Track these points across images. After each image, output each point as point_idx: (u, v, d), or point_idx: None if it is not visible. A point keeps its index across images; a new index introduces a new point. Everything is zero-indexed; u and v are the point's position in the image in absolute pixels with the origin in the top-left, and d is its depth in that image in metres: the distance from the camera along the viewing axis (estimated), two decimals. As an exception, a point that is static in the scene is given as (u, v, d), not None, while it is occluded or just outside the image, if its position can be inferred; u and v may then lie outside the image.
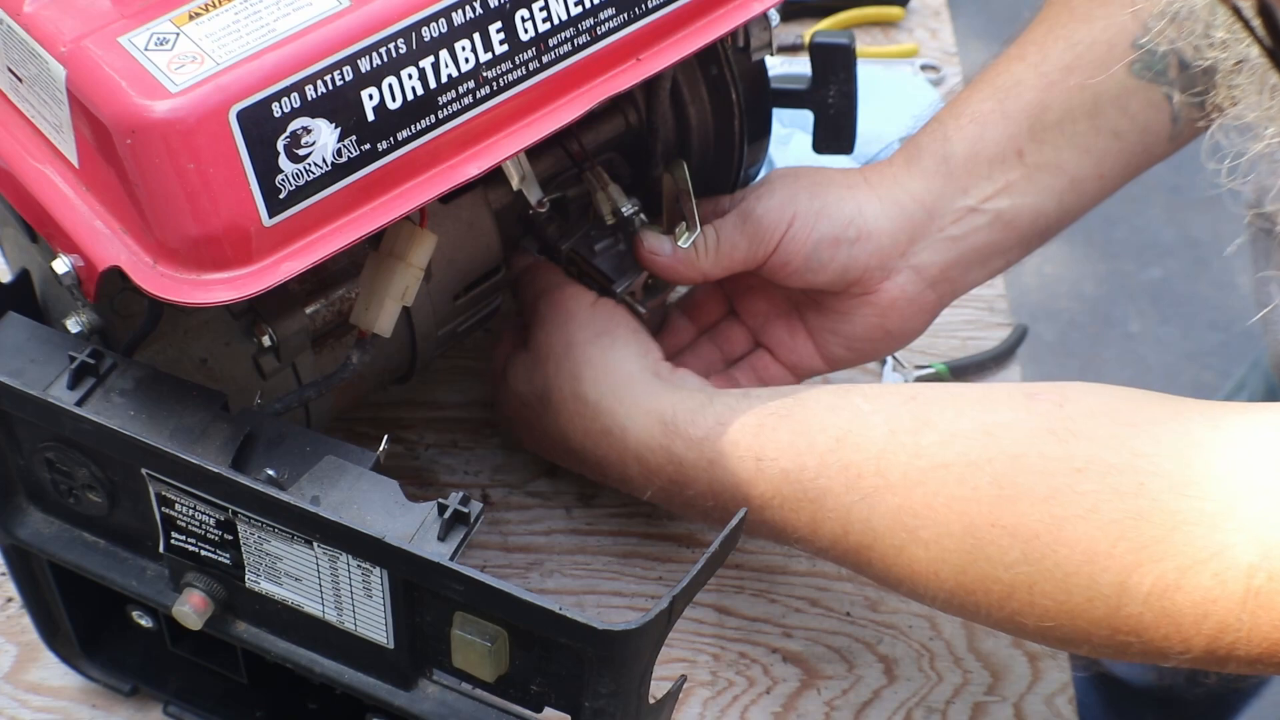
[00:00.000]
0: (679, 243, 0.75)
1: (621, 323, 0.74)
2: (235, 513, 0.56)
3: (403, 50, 0.57)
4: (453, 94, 0.59)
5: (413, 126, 0.58)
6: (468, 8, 0.58)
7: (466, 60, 0.59)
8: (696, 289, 0.82)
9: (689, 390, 0.71)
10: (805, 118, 0.89)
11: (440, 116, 0.58)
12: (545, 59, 0.61)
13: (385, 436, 0.62)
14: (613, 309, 0.75)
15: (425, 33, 0.57)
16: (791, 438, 0.65)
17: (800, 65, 0.92)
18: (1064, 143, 0.75)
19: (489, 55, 0.59)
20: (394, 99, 0.57)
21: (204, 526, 0.58)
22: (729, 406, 0.68)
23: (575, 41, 0.62)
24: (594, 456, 0.72)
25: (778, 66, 0.99)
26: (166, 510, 0.58)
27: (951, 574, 0.61)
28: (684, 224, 0.75)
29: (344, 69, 0.55)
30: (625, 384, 0.71)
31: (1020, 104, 0.75)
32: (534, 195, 0.73)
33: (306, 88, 0.55)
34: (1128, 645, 0.58)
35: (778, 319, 0.80)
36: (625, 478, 0.72)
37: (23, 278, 0.68)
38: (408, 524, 0.56)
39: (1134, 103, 0.75)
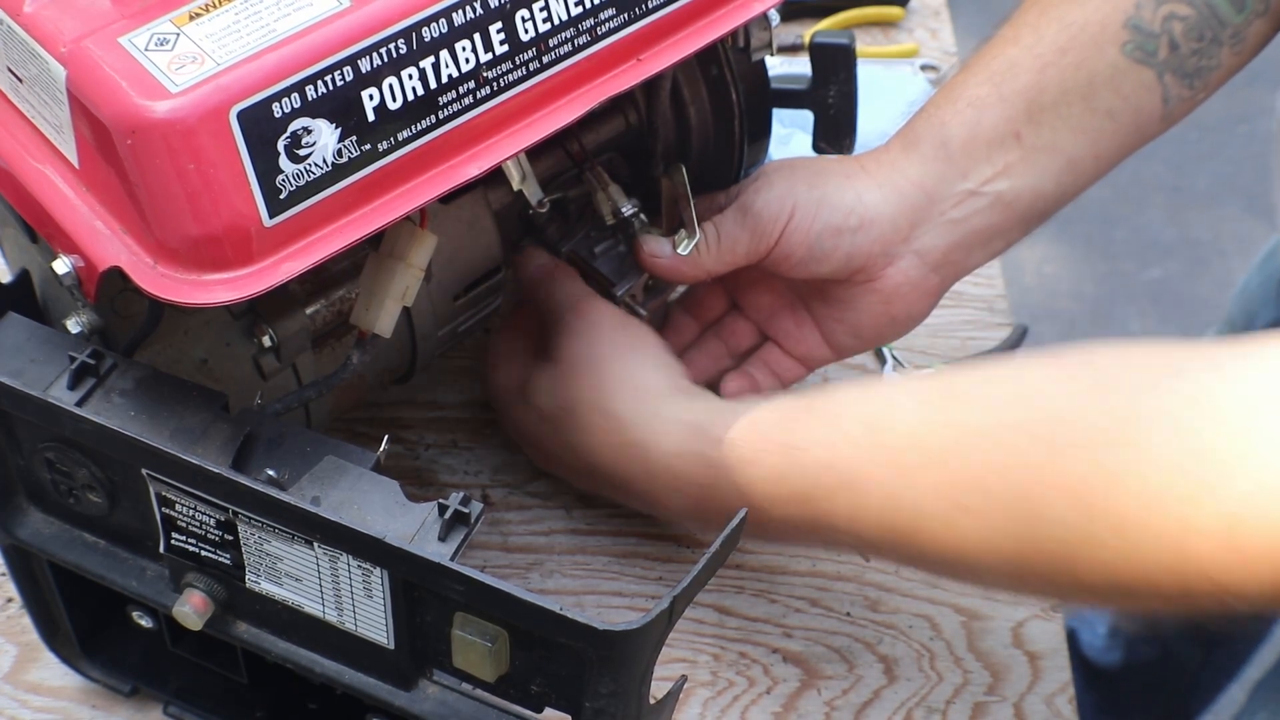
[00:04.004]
0: (678, 249, 0.75)
1: (649, 340, 0.74)
2: (235, 513, 0.56)
3: (403, 50, 0.57)
4: (453, 94, 0.59)
5: (413, 127, 0.58)
6: (468, 8, 0.58)
7: (467, 60, 0.59)
8: (697, 286, 0.83)
9: (715, 400, 0.71)
10: (805, 118, 0.89)
11: (441, 117, 0.58)
12: (545, 59, 0.61)
13: (385, 436, 0.62)
14: (639, 325, 0.75)
15: (426, 33, 0.57)
16: (823, 428, 0.65)
17: (800, 65, 0.92)
18: (1060, 124, 0.75)
19: (489, 55, 0.59)
20: (394, 99, 0.57)
21: (204, 527, 0.58)
22: (755, 406, 0.68)
23: (575, 42, 0.62)
24: (619, 473, 0.71)
25: (778, 66, 0.99)
26: (167, 510, 0.58)
27: (1007, 543, 0.59)
28: (683, 229, 0.76)
29: (344, 69, 0.55)
30: (653, 398, 0.70)
31: (1016, 87, 0.75)
32: (534, 196, 0.73)
33: (307, 88, 0.55)
34: (1197, 590, 0.55)
35: (783, 311, 0.81)
36: (651, 493, 0.71)
37: (23, 278, 0.68)
38: (408, 524, 0.56)
39: (1127, 84, 0.75)
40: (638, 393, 0.71)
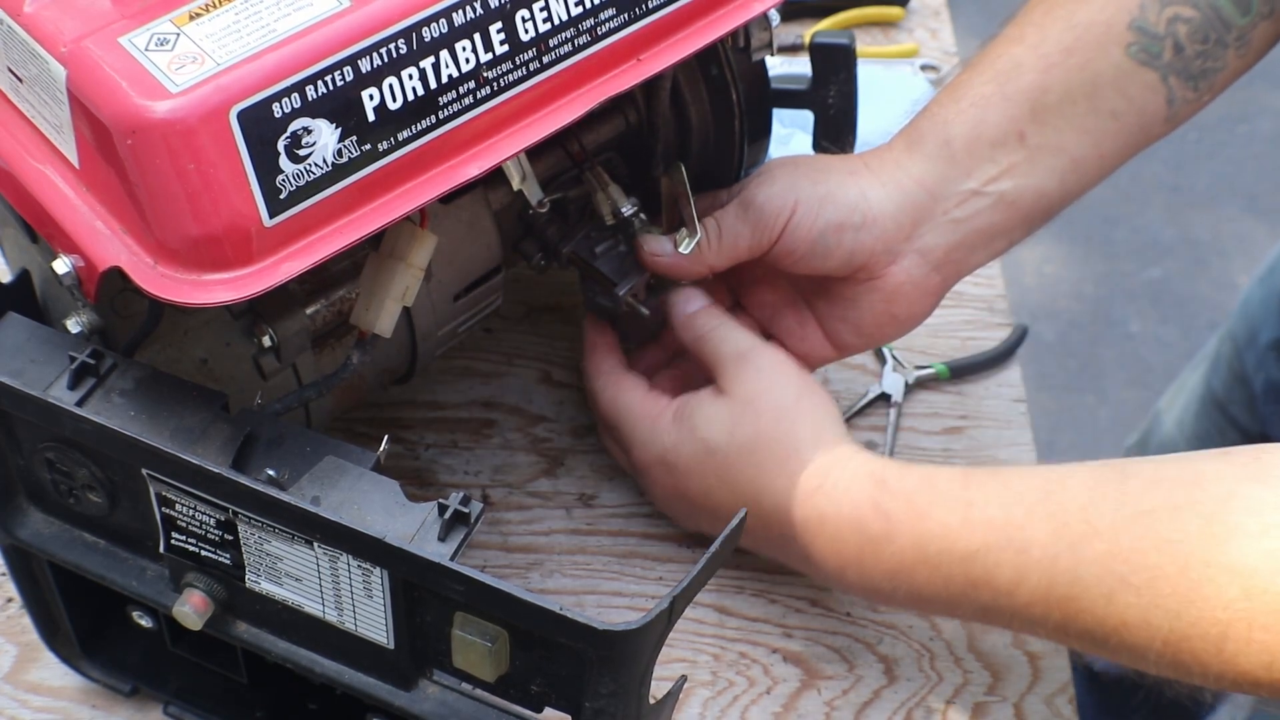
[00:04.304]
0: (680, 248, 0.75)
1: (821, 388, 0.74)
2: (235, 513, 0.56)
3: (403, 50, 0.57)
4: (453, 94, 0.59)
5: (413, 127, 0.58)
6: (468, 8, 0.58)
7: (467, 60, 0.59)
8: (699, 284, 0.83)
9: (886, 457, 0.72)
10: (805, 118, 0.89)
11: (441, 117, 0.58)
12: (546, 59, 0.61)
13: (385, 436, 0.62)
14: (809, 373, 0.75)
15: (426, 33, 0.57)
16: (999, 489, 0.65)
17: (800, 65, 0.92)
18: (1064, 124, 0.75)
19: (489, 55, 0.59)
20: (394, 99, 0.57)
21: (204, 527, 0.58)
22: (932, 467, 0.69)
23: (576, 42, 0.62)
24: (792, 516, 0.70)
25: (778, 66, 0.99)
26: (167, 510, 0.58)
27: (1165, 620, 0.60)
28: (684, 229, 0.76)
29: (344, 69, 0.55)
30: (836, 446, 0.71)
31: (1020, 86, 0.75)
32: (534, 196, 0.73)
33: (307, 88, 0.55)
34: None
35: (786, 309, 0.81)
36: (815, 542, 0.70)
37: (23, 278, 0.68)
38: (408, 524, 0.56)
39: (1131, 86, 0.75)
40: (822, 439, 0.71)
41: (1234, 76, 0.78)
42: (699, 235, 0.75)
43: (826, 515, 0.69)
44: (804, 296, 0.80)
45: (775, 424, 0.71)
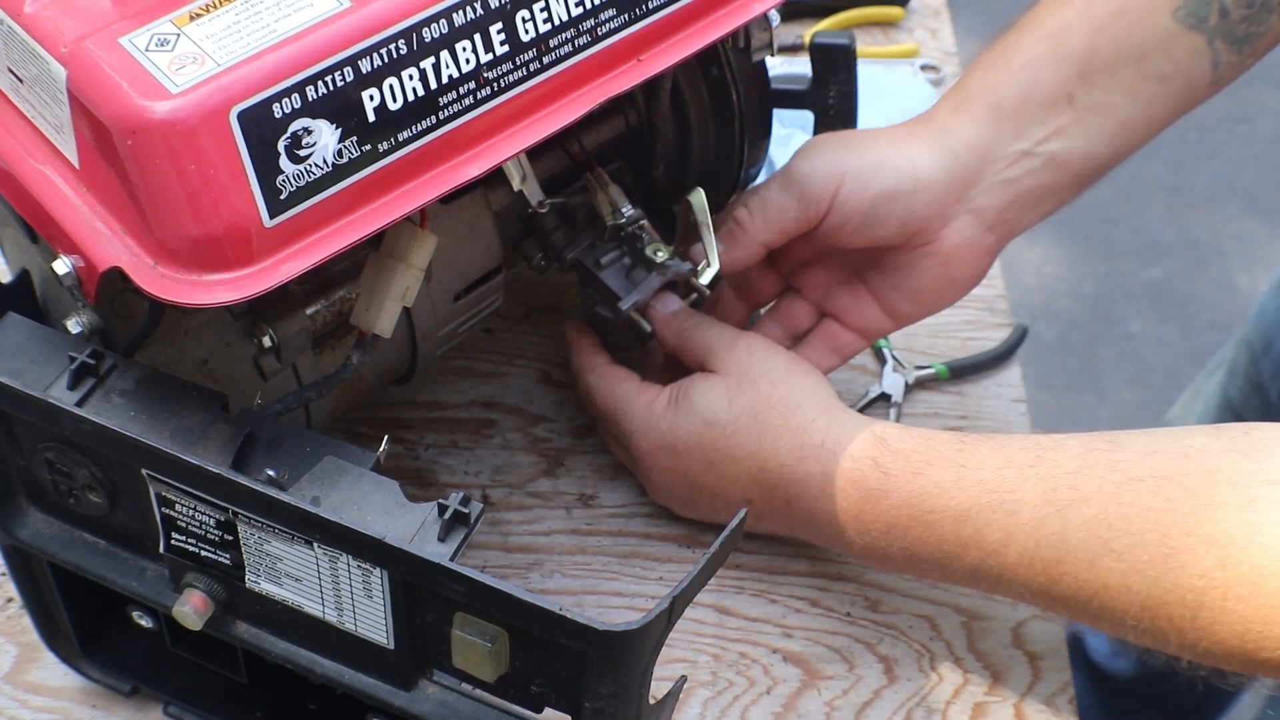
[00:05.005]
0: (700, 280, 0.76)
1: (806, 362, 0.76)
2: (235, 513, 0.56)
3: (404, 51, 0.57)
4: (453, 95, 0.59)
5: (414, 127, 0.58)
6: (469, 8, 0.58)
7: (467, 61, 0.59)
8: (750, 271, 0.82)
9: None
10: (805, 118, 0.89)
11: (441, 117, 0.58)
12: (546, 60, 0.61)
13: (385, 437, 0.62)
14: (792, 352, 0.77)
15: (426, 33, 0.57)
16: (992, 452, 0.67)
17: (800, 65, 0.93)
18: (1113, 87, 0.75)
19: (490, 56, 0.59)
20: (395, 100, 0.57)
21: (204, 527, 0.58)
22: (931, 430, 0.71)
23: (576, 42, 0.62)
24: (798, 474, 0.71)
25: (778, 67, 0.99)
26: (167, 511, 0.58)
27: (1143, 585, 0.61)
28: (703, 261, 0.76)
29: (345, 70, 0.55)
30: (834, 407, 0.73)
31: (1070, 48, 0.75)
32: (534, 196, 0.73)
33: (307, 88, 0.55)
34: None
35: (839, 286, 0.81)
36: (821, 499, 0.71)
37: (23, 278, 0.68)
38: (408, 524, 0.56)
39: (1178, 49, 0.76)
40: (821, 401, 0.73)
41: (1277, 41, 0.79)
42: (716, 267, 0.75)
43: (829, 471, 0.70)
44: (857, 272, 0.80)
45: (773, 389, 0.73)
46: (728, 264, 0.77)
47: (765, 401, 0.73)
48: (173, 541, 0.59)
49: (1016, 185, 0.76)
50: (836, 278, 0.81)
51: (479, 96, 0.59)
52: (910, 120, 0.78)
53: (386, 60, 0.56)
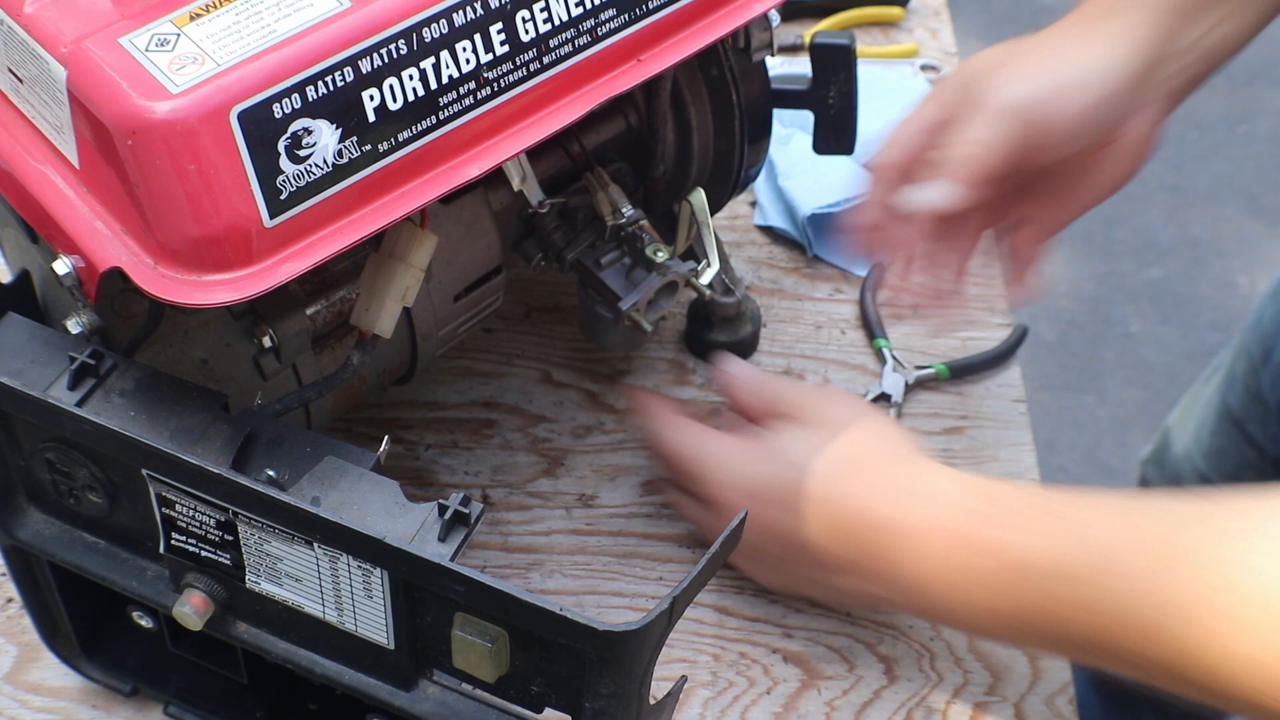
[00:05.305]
0: (700, 280, 0.75)
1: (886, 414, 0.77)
2: (235, 513, 0.56)
3: (404, 51, 0.57)
4: (454, 95, 0.59)
5: (414, 127, 0.58)
6: (469, 9, 0.58)
7: (467, 61, 0.59)
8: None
9: None
10: (805, 118, 0.89)
11: (441, 117, 0.58)
12: (546, 60, 0.61)
13: (385, 437, 0.62)
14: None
15: (426, 34, 0.57)
16: (1087, 508, 0.64)
17: (800, 65, 0.93)
18: None
19: (490, 56, 0.59)
20: (395, 100, 0.57)
21: (204, 527, 0.58)
22: (1034, 487, 0.70)
23: (576, 42, 0.62)
24: (897, 522, 0.68)
25: (778, 67, 0.99)
26: (167, 511, 0.58)
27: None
28: (704, 261, 0.76)
29: (345, 70, 0.55)
30: (924, 457, 0.72)
31: None
32: (535, 196, 0.73)
33: (307, 88, 0.55)
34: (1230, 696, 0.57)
35: (1014, 201, 0.80)
36: (921, 550, 0.67)
37: (23, 278, 0.68)
38: (408, 524, 0.56)
39: None
40: (914, 450, 0.72)
41: None
42: (715, 267, 0.75)
43: (934, 521, 0.67)
44: (1026, 194, 0.80)
45: (870, 440, 0.72)
46: (931, 212, 0.75)
47: (861, 448, 0.72)
48: (173, 542, 0.59)
49: (1187, 72, 0.77)
50: (1005, 209, 0.80)
51: (479, 96, 0.59)
52: (1080, 19, 0.78)
53: (386, 60, 0.56)
